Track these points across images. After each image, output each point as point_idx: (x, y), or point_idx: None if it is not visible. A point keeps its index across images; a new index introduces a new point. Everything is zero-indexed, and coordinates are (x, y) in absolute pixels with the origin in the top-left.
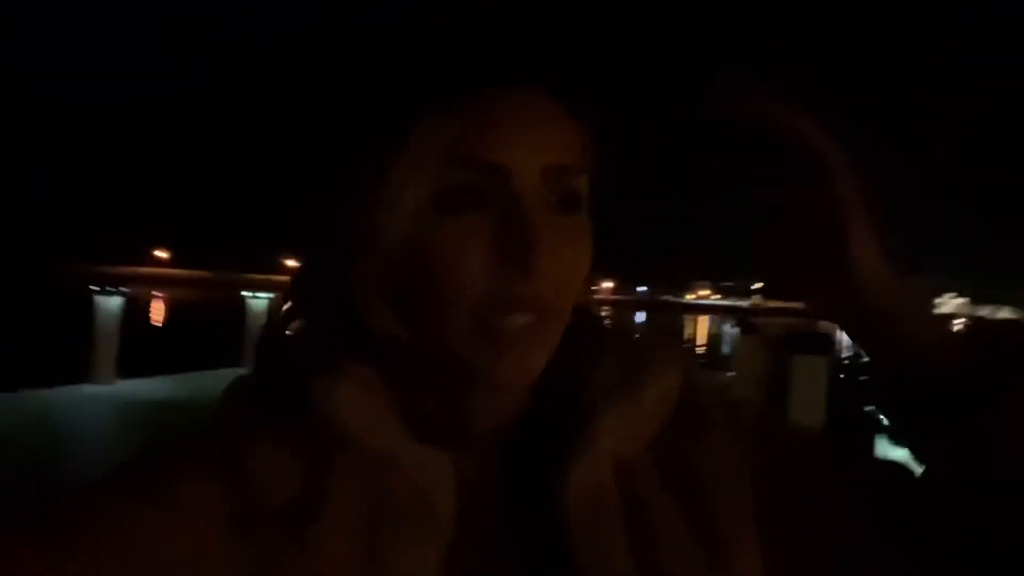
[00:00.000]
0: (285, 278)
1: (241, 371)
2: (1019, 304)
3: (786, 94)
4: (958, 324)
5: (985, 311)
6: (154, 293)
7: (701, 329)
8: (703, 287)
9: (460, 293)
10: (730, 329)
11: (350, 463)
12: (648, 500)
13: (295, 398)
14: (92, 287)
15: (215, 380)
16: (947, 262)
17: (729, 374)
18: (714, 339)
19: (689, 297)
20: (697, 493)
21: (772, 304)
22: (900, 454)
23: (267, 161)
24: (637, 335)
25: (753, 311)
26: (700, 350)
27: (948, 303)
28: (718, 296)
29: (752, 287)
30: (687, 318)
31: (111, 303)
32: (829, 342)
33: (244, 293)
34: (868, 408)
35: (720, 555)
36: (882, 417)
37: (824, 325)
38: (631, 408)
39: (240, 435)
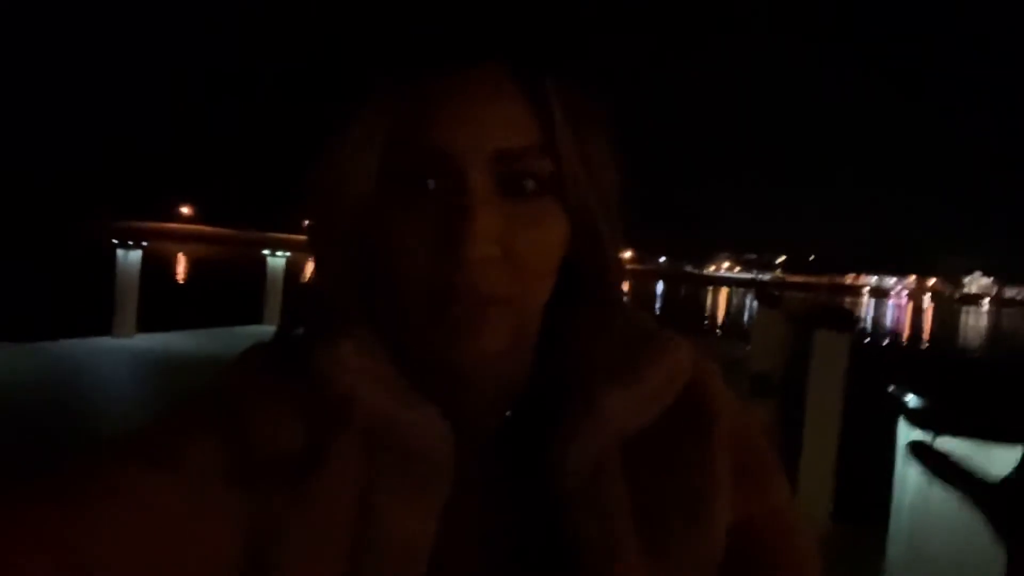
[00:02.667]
0: (304, 237)
1: (260, 328)
2: None
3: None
4: (984, 303)
5: (1012, 291)
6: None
7: (721, 301)
8: (725, 259)
9: (408, 278)
10: (751, 301)
11: (350, 422)
12: (650, 478)
13: (302, 359)
14: (114, 241)
15: (233, 336)
16: (974, 241)
17: (747, 347)
18: (734, 311)
19: (710, 269)
20: (691, 471)
21: (794, 279)
22: (918, 434)
23: (280, 127)
24: (647, 320)
25: (774, 284)
26: (719, 322)
27: (975, 283)
28: (739, 268)
29: (775, 261)
30: (708, 289)
31: (131, 257)
32: (852, 319)
33: (264, 251)
34: (891, 388)
35: (705, 528)
36: (906, 398)
37: (849, 304)
38: (635, 385)
39: (244, 392)
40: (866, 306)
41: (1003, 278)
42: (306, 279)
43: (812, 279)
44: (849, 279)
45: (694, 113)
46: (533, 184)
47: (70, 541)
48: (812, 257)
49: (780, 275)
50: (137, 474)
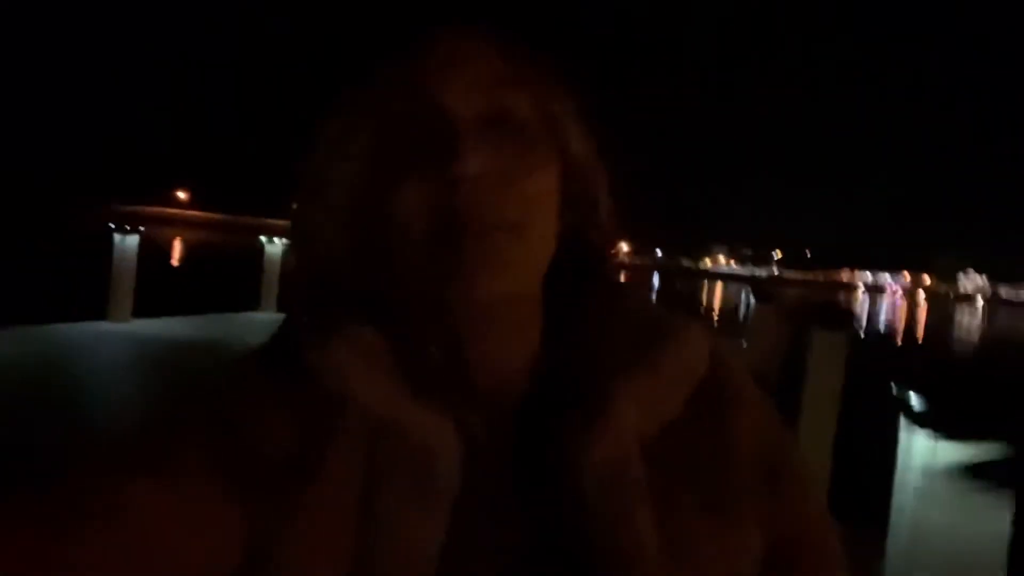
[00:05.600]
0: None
1: (256, 315)
2: None
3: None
4: (979, 301)
5: (1003, 289)
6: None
7: (717, 295)
8: (721, 253)
9: (405, 226)
10: (747, 297)
11: (348, 423)
12: (671, 477)
13: (297, 359)
14: (111, 225)
15: (230, 323)
16: (968, 239)
17: (742, 342)
18: (730, 306)
19: (706, 263)
20: (715, 469)
21: (790, 274)
22: (921, 435)
23: (282, 112)
24: (657, 307)
25: (770, 280)
26: (715, 316)
27: (969, 280)
28: (735, 263)
29: (771, 256)
30: (703, 284)
31: (128, 242)
32: (850, 317)
33: (262, 238)
34: (893, 389)
35: (731, 531)
36: (910, 397)
37: (845, 300)
38: (651, 379)
39: (239, 396)
40: (861, 302)
41: (997, 276)
42: (291, 272)
43: (808, 275)
44: (844, 275)
45: (691, 109)
46: (520, 120)
47: (67, 566)
48: (808, 253)
49: (776, 270)
50: (133, 488)
